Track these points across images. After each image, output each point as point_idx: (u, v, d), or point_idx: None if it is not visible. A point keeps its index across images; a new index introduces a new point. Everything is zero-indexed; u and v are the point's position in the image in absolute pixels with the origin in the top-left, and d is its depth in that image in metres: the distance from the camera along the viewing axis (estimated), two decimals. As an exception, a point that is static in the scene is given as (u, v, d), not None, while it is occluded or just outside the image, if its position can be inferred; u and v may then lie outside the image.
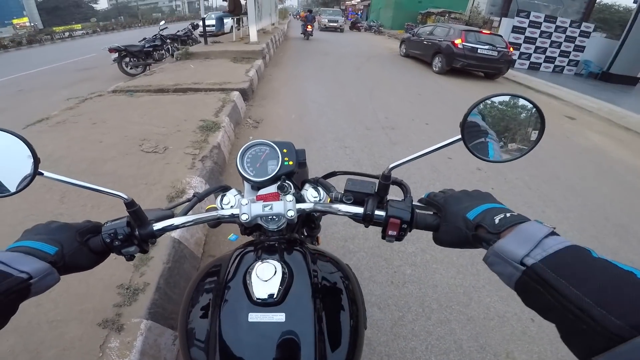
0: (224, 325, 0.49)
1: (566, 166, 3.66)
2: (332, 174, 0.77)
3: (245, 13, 8.50)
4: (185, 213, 0.63)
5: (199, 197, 0.69)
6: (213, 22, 9.96)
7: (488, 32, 8.35)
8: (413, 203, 0.57)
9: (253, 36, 8.07)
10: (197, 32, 10.19)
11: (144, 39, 7.84)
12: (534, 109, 0.49)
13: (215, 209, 0.67)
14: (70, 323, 1.29)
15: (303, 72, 7.48)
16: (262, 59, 7.04)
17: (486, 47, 7.68)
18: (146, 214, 0.57)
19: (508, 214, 0.43)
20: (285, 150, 0.72)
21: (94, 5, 63.90)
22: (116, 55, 6.91)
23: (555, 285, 0.33)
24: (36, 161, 0.49)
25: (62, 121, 3.49)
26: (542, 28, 10.71)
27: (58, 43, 22.06)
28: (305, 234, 0.93)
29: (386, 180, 0.56)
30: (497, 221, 0.43)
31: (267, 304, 0.50)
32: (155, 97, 4.29)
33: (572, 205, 2.85)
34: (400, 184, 0.60)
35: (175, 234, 1.81)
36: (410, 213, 0.54)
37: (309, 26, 14.59)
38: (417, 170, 3.15)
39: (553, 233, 0.38)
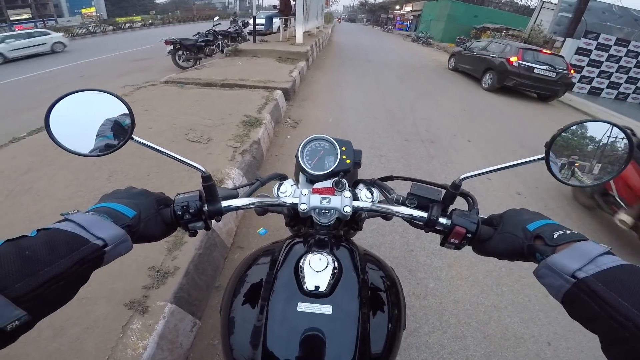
0: (273, 311, 0.50)
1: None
2: (389, 178, 0.75)
3: (294, 14, 8.67)
4: (247, 195, 0.65)
5: (262, 182, 0.71)
6: (263, 20, 10.23)
7: (549, 52, 7.84)
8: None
9: (299, 38, 8.23)
10: (246, 30, 10.56)
11: (198, 33, 8.25)
12: (624, 139, 0.48)
13: (266, 195, 0.68)
14: (99, 301, 1.33)
15: (344, 77, 7.48)
16: (305, 61, 7.14)
17: (544, 67, 7.22)
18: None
19: (568, 231, 0.44)
20: (344, 148, 0.73)
21: None
22: (171, 47, 7.33)
23: (605, 297, 0.34)
24: (132, 126, 0.52)
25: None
26: (611, 51, 9.93)
27: (119, 33, 23.90)
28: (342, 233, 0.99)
29: (455, 189, 0.57)
30: (555, 235, 0.44)
31: (316, 295, 0.50)
32: (204, 91, 4.49)
33: None
34: (467, 196, 0.60)
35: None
36: (477, 225, 0.54)
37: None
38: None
39: (609, 252, 0.39)
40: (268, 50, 7.22)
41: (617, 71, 10.19)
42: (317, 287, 0.50)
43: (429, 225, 0.57)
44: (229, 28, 10.53)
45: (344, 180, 0.64)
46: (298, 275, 0.53)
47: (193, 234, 0.58)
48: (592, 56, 10.00)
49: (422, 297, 1.87)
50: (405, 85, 7.41)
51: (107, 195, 0.52)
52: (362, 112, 5.01)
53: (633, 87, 10.47)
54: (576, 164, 0.52)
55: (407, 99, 6.17)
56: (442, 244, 0.58)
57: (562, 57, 7.85)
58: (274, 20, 10.45)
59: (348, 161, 0.72)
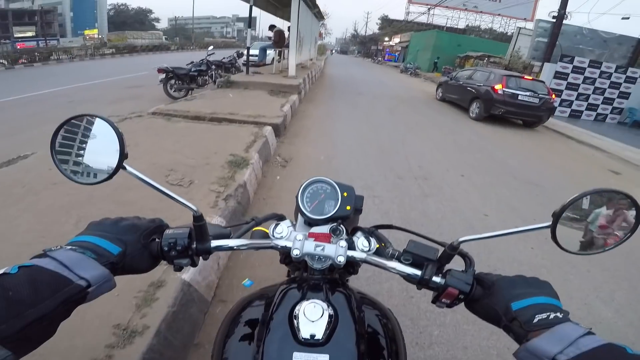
0: None
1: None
2: (388, 227, 0.76)
3: (288, 46, 8.84)
4: (240, 235, 0.65)
5: (257, 222, 0.71)
6: (257, 52, 10.41)
7: (530, 77, 8.12)
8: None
9: (292, 70, 8.34)
10: (241, 61, 10.72)
11: (192, 62, 8.29)
12: (632, 206, 0.49)
13: (263, 232, 0.70)
14: (53, 359, 1.17)
15: (336, 110, 7.51)
16: (297, 94, 7.19)
17: (527, 93, 7.44)
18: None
19: (552, 315, 0.43)
20: (345, 194, 0.72)
21: (156, 24, 70.39)
22: (163, 76, 7.29)
23: None
24: (122, 156, 0.51)
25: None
26: (586, 74, 10.40)
27: (117, 58, 24.14)
28: (337, 275, 0.95)
29: (453, 250, 0.57)
30: (536, 320, 0.44)
31: (312, 344, 0.49)
32: (191, 124, 4.38)
33: None
34: (465, 256, 0.59)
35: (186, 275, 1.70)
36: (471, 286, 0.54)
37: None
38: (449, 227, 2.93)
39: (589, 333, 0.39)
40: (260, 82, 7.27)
41: (593, 92, 10.64)
42: (312, 336, 0.48)
43: (421, 284, 0.58)
44: (224, 58, 10.69)
45: (341, 227, 0.64)
46: (292, 323, 0.51)
47: (178, 269, 0.58)
48: (569, 79, 10.45)
49: (427, 347, 1.74)
50: (395, 118, 7.47)
51: (95, 225, 0.52)
52: (354, 148, 4.95)
53: (610, 107, 10.89)
54: (582, 233, 0.53)
55: (398, 132, 6.18)
56: (433, 302, 0.58)
57: (543, 82, 8.16)
58: (268, 52, 10.66)
59: (348, 208, 0.70)
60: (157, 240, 0.55)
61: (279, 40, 8.82)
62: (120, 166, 0.51)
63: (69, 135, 0.53)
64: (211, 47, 9.36)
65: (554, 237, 0.51)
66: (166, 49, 33.05)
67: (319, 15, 14.89)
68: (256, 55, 10.30)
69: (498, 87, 7.48)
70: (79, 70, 14.58)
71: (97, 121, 0.52)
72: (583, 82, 10.48)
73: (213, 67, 8.76)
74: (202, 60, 8.41)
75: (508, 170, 4.71)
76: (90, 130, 0.53)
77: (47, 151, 0.57)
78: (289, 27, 8.78)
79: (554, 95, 7.93)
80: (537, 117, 7.72)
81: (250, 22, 8.23)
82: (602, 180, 4.80)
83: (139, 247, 0.51)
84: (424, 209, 3.29)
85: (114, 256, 0.47)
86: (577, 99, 10.65)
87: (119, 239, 0.49)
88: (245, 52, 8.83)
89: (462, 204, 3.46)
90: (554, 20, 10.79)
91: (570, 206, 0.49)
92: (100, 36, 41.28)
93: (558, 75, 10.29)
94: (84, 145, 0.53)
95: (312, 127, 5.83)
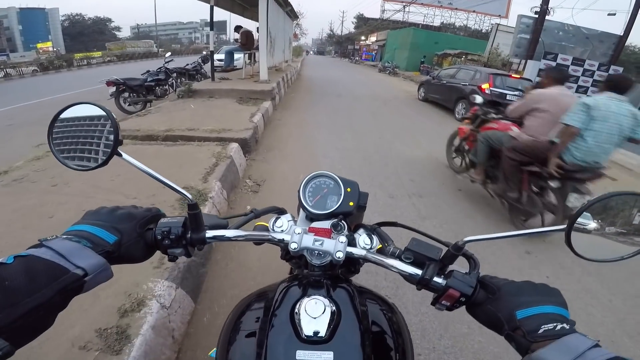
0: None
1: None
2: (392, 224, 0.76)
3: (257, 48, 8.12)
4: (238, 227, 0.63)
5: (256, 214, 0.70)
6: (222, 56, 9.57)
7: (517, 76, 7.73)
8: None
9: (264, 74, 7.62)
10: (207, 67, 9.88)
11: (147, 71, 7.43)
12: None
13: (264, 227, 0.68)
14: None
15: (314, 116, 6.83)
16: (271, 100, 6.48)
17: (515, 92, 7.05)
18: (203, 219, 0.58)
19: (559, 326, 0.41)
20: (349, 190, 0.70)
21: (117, 33, 67.90)
22: (114, 89, 6.43)
23: None
24: (117, 142, 0.51)
25: (20, 178, 2.80)
26: (569, 71, 10.19)
27: (74, 70, 22.65)
28: (338, 272, 0.81)
29: (457, 250, 0.54)
30: (541, 330, 0.42)
31: (315, 342, 0.47)
32: (140, 148, 3.61)
33: None
34: (470, 258, 0.57)
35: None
36: (474, 289, 0.51)
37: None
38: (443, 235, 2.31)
39: (597, 345, 0.38)
40: (227, 89, 6.48)
41: (576, 91, 10.47)
42: (315, 333, 0.47)
43: (421, 284, 0.55)
44: (187, 64, 9.82)
45: (342, 223, 0.63)
46: (294, 321, 0.50)
47: (172, 259, 0.57)
48: None
49: None
50: (379, 122, 6.86)
51: (91, 214, 0.52)
52: (338, 162, 4.32)
53: None
54: (599, 239, 0.50)
55: (384, 139, 5.57)
56: (432, 304, 0.55)
57: (530, 80, 7.77)
58: (236, 56, 9.84)
59: (351, 204, 0.68)
60: (153, 229, 0.54)
61: (247, 42, 8.05)
62: (114, 152, 0.51)
63: (65, 124, 0.55)
64: (169, 54, 8.45)
65: (568, 241, 0.48)
66: (127, 59, 31.84)
67: (292, 15, 14.17)
68: (222, 60, 9.41)
69: (485, 86, 7.06)
70: (29, 87, 13.38)
71: (92, 108, 0.53)
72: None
73: (174, 75, 7.92)
74: (159, 68, 7.56)
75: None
76: (86, 117, 0.54)
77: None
78: (258, 28, 8.04)
79: None
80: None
81: (212, 24, 7.46)
82: (601, 188, 4.37)
83: (134, 236, 0.51)
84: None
85: (109, 245, 0.47)
86: (560, 97, 10.49)
87: (115, 227, 0.49)
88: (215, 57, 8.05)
89: (466, 230, 2.93)
90: (537, 15, 10.56)
91: (587, 209, 0.46)
92: (55, 49, 39.99)
93: (542, 73, 10.07)
94: (80, 132, 0.54)
95: (289, 138, 5.15)
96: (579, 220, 0.47)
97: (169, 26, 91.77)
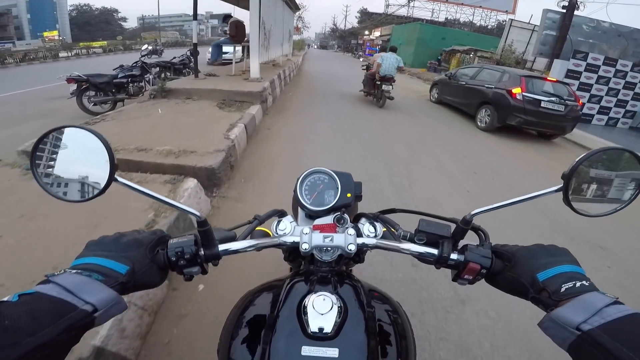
0: (275, 356, 0.47)
1: None
2: (391, 211, 0.74)
3: (249, 41, 7.02)
4: (245, 237, 0.62)
5: (260, 220, 0.67)
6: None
7: (553, 79, 6.50)
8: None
9: (254, 71, 6.52)
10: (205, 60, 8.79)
11: (120, 66, 6.35)
12: (637, 162, 0.49)
13: (263, 232, 0.68)
14: None
15: (313, 124, 5.69)
16: (260, 104, 5.39)
17: (551, 99, 5.92)
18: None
19: (578, 283, 0.43)
20: (344, 182, 0.70)
21: (123, 24, 67.91)
22: (74, 87, 5.39)
23: (610, 349, 0.33)
24: (113, 168, 0.48)
25: None
26: (600, 72, 9.03)
27: (73, 60, 22.07)
28: (344, 268, 0.80)
29: (466, 224, 0.55)
30: (563, 289, 0.42)
31: (321, 338, 0.47)
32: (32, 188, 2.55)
33: None
34: (479, 230, 0.58)
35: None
36: (491, 260, 0.53)
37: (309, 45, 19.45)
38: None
39: (617, 302, 0.38)
40: (208, 90, 5.37)
41: (606, 94, 9.33)
42: (321, 329, 0.47)
43: (440, 262, 0.56)
44: (174, 58, 8.73)
45: (345, 216, 0.63)
46: (301, 316, 0.49)
47: (189, 278, 0.55)
48: (582, 79, 9.05)
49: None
50: (390, 134, 5.64)
51: (94, 244, 0.48)
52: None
53: (622, 110, 9.62)
54: (593, 194, 0.52)
55: (399, 158, 4.41)
56: (454, 280, 0.57)
57: (567, 84, 6.57)
58: (226, 49, 8.72)
59: (349, 195, 0.69)
60: (161, 251, 0.52)
61: (237, 34, 6.91)
62: (112, 179, 0.49)
63: (51, 150, 0.49)
64: (145, 46, 7.37)
65: (566, 199, 0.51)
66: (129, 49, 31.37)
67: (293, 5, 12.98)
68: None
69: (516, 90, 5.89)
70: (16, 76, 12.48)
71: (79, 132, 0.48)
72: (596, 82, 9.09)
73: (153, 70, 6.85)
74: (135, 62, 6.47)
75: (541, 207, 3.27)
76: (73, 142, 0.49)
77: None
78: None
79: (580, 101, 6.41)
80: (560, 128, 6.19)
81: (195, 13, 6.36)
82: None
83: (146, 262, 0.49)
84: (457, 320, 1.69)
85: (122, 275, 0.45)
86: (588, 101, 9.27)
87: (124, 256, 0.47)
88: (208, 49, 6.97)
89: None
90: (564, 10, 9.32)
91: (578, 167, 0.48)
92: (61, 38, 39.71)
93: (570, 73, 8.86)
94: (69, 158, 0.49)
95: (278, 158, 4.02)
96: (574, 180, 0.49)
97: (175, 18, 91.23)
